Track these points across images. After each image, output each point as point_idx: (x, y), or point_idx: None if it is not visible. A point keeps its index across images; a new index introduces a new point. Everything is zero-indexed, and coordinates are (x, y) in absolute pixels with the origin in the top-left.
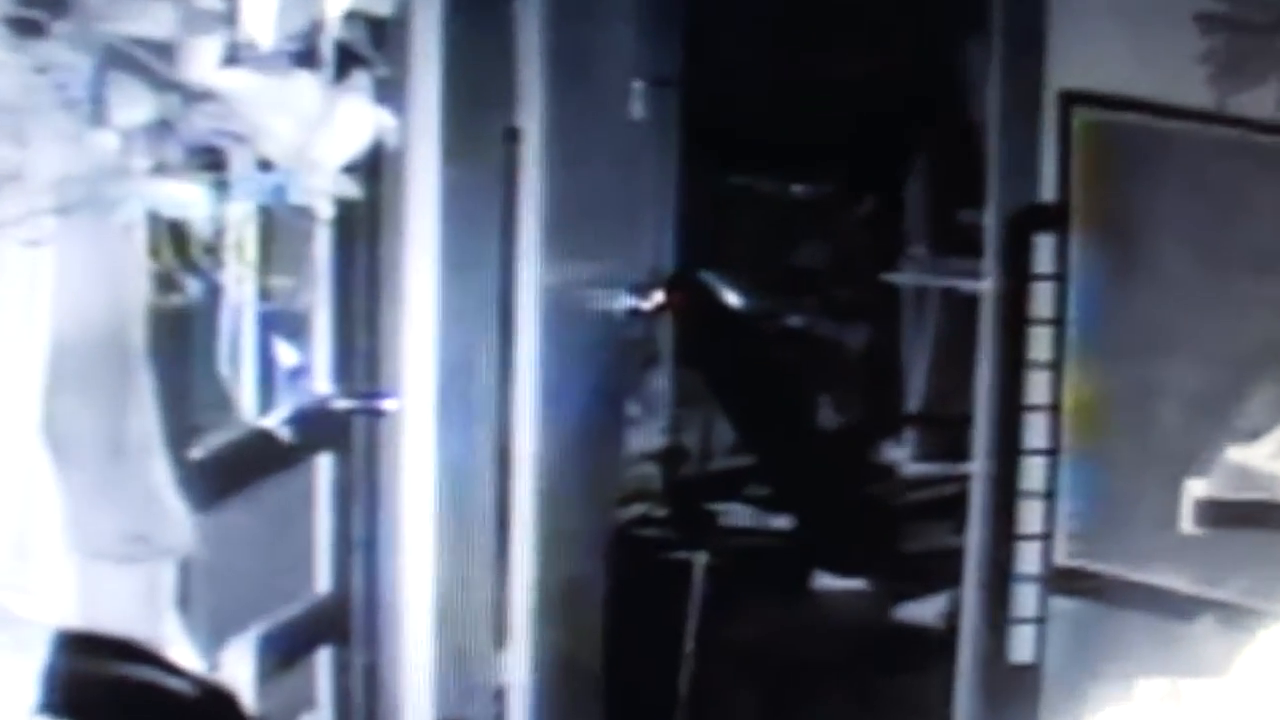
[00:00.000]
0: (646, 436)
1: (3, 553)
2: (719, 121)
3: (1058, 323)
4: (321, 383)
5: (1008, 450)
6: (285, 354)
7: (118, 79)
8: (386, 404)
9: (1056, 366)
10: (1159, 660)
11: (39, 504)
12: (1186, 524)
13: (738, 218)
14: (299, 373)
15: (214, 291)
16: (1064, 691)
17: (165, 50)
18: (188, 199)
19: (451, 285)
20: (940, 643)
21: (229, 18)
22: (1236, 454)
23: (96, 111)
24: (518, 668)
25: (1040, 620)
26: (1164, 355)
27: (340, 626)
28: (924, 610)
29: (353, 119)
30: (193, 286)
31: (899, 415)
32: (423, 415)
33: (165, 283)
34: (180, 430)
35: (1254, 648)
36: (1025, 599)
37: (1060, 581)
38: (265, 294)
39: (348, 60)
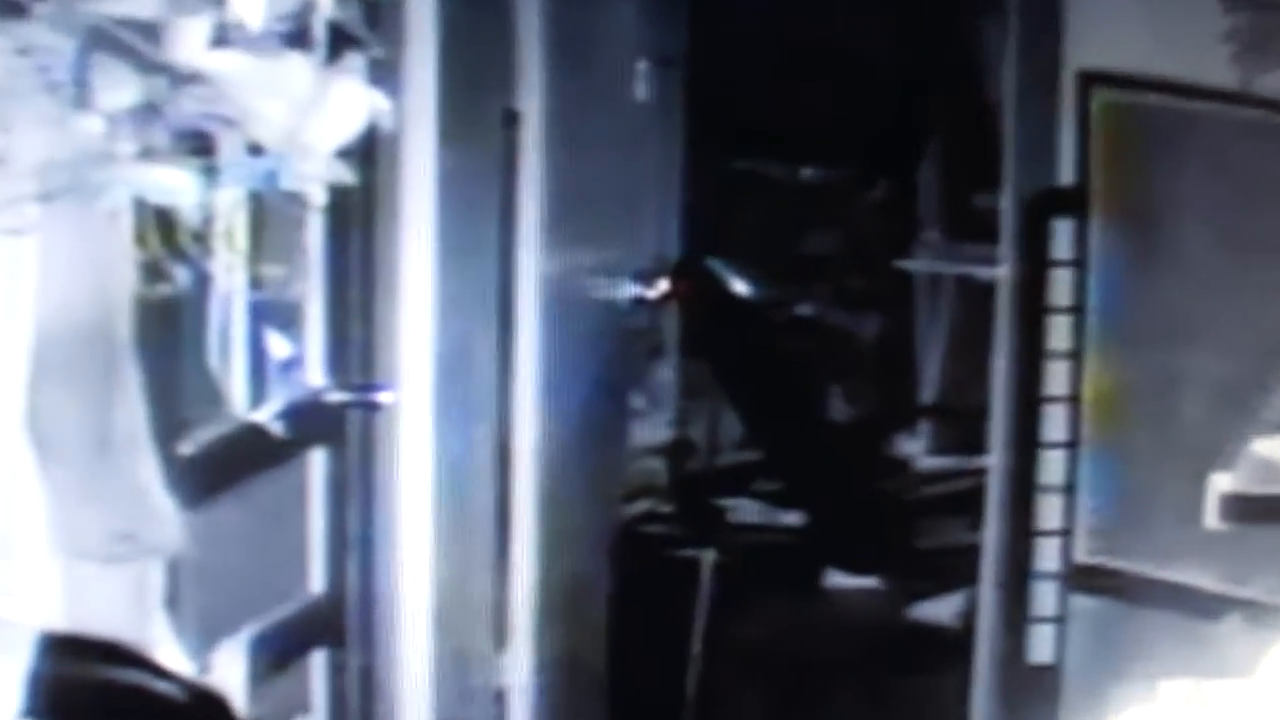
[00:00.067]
0: (651, 430)
1: None
2: (725, 103)
3: (1077, 310)
4: (315, 375)
5: (1025, 443)
6: (277, 345)
7: (102, 61)
8: (382, 397)
9: (1076, 356)
10: (1183, 660)
11: (22, 502)
12: (1211, 519)
13: (745, 203)
14: (291, 365)
15: (203, 281)
16: (1084, 693)
17: (151, 31)
18: (175, 185)
19: (449, 274)
20: (956, 643)
21: None
22: (1263, 446)
23: (80, 95)
24: (519, 669)
25: (1060, 619)
26: (1187, 344)
27: (335, 627)
28: (939, 609)
29: (346, 102)
30: (181, 275)
31: (913, 407)
32: (419, 408)
33: (152, 272)
34: (168, 425)
35: None
36: (1044, 597)
37: (1080, 579)
38: (256, 283)
39: (341, 41)
